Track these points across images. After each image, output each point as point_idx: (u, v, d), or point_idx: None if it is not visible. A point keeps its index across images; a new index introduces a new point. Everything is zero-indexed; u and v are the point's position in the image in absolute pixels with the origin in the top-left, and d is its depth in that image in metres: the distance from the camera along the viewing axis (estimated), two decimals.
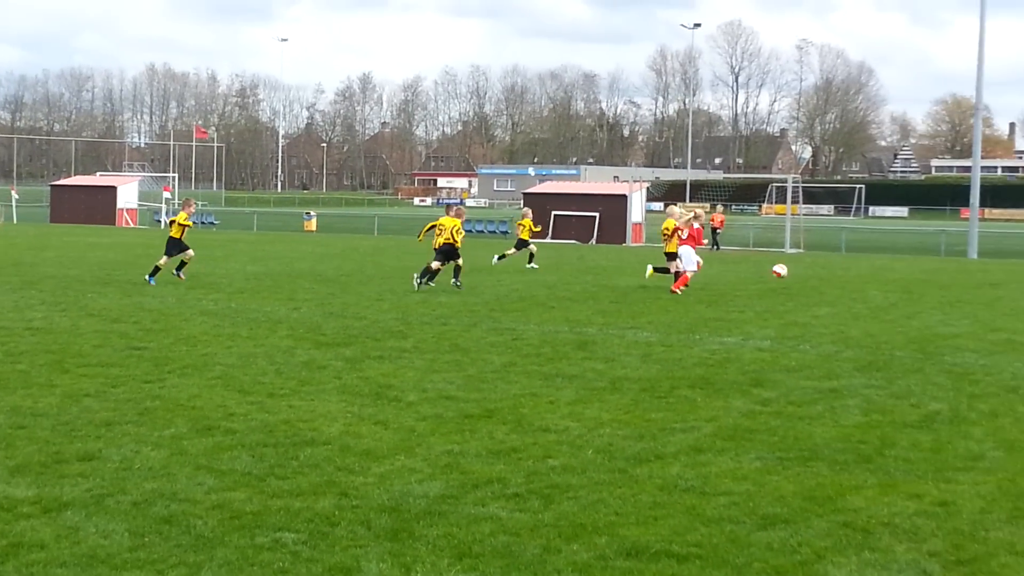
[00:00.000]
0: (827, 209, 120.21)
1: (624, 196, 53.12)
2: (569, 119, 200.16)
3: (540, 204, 54.43)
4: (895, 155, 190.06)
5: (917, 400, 12.46)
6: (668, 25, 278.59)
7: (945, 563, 7.15)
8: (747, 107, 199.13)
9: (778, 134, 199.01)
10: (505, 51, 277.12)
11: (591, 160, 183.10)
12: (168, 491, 8.40)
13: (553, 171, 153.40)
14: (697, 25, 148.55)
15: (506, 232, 57.15)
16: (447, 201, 51.29)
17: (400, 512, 7.98)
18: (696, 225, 26.33)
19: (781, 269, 29.00)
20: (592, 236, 52.29)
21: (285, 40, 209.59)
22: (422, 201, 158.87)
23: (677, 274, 25.51)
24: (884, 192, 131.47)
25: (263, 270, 29.85)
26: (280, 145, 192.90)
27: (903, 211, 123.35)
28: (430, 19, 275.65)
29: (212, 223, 68.21)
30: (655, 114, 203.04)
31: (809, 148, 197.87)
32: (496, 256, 34.78)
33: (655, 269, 26.59)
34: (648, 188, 62.98)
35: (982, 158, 52.42)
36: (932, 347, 16.82)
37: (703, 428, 10.84)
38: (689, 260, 25.50)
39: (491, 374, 13.74)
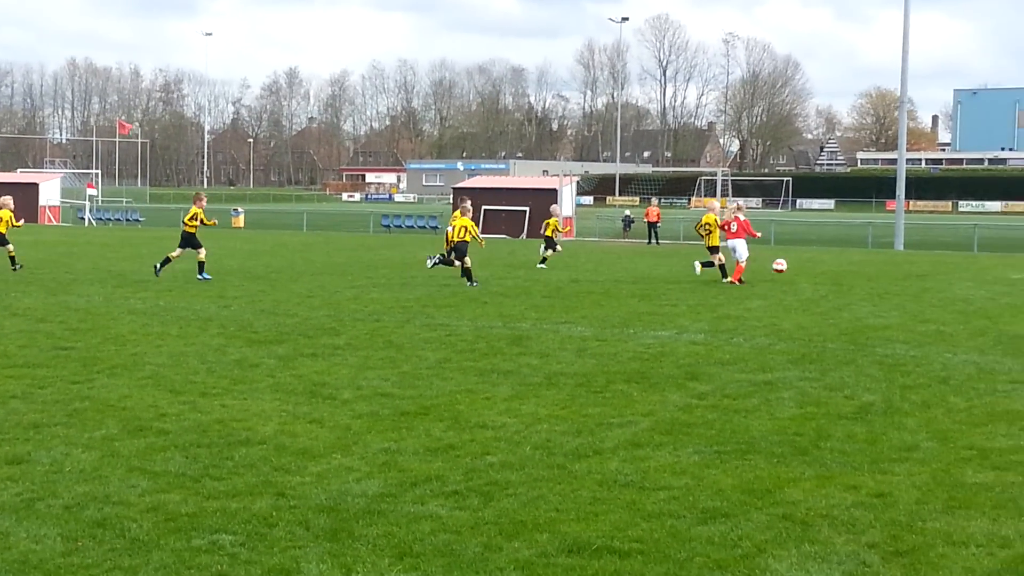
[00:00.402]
0: (755, 202, 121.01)
1: (554, 190, 53.17)
2: (498, 113, 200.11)
3: (470, 199, 54.30)
4: (821, 148, 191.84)
5: (851, 392, 12.55)
6: (597, 19, 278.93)
7: (884, 554, 7.18)
8: (675, 101, 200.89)
9: (706, 127, 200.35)
10: (433, 45, 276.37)
11: (520, 154, 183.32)
12: (101, 494, 8.25)
13: (482, 166, 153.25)
14: (625, 19, 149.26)
15: (436, 227, 56.98)
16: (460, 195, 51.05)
17: (339, 512, 7.89)
18: (741, 217, 27.29)
19: (781, 265, 28.14)
20: (523, 231, 52.30)
21: (209, 34, 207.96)
22: (350, 196, 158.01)
23: (723, 267, 26.94)
24: (811, 185, 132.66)
25: (191, 267, 29.46)
26: (206, 140, 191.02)
27: (829, 203, 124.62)
28: (357, 13, 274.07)
29: (137, 220, 67.40)
30: (583, 108, 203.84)
31: (737, 141, 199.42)
32: (539, 263, 32.53)
33: (703, 264, 27.47)
34: (578, 182, 63.04)
35: (906, 151, 53.02)
36: (863, 339, 16.97)
37: (640, 423, 10.83)
38: (743, 251, 26.81)
39: (426, 371, 13.66)
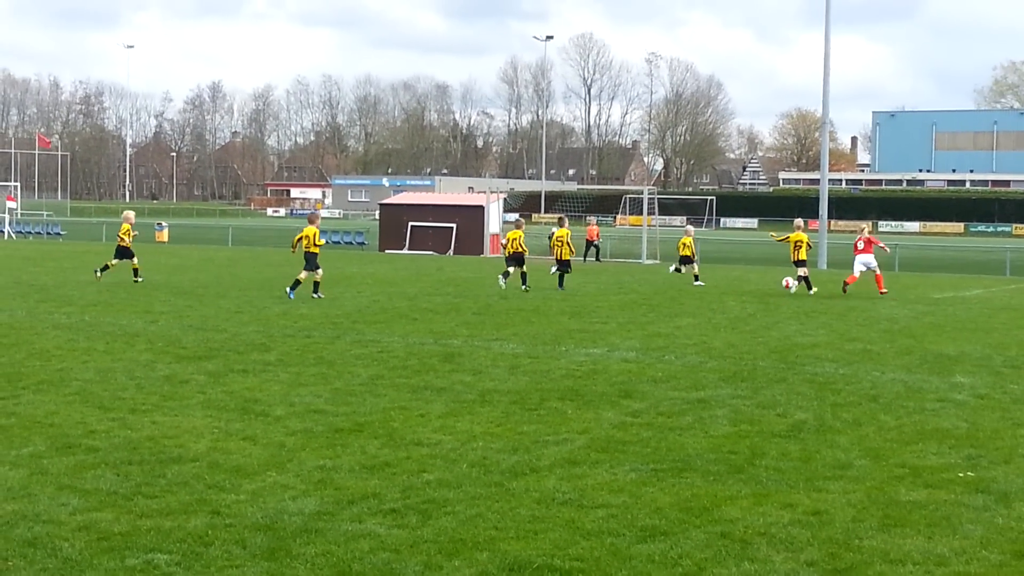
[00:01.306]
0: (680, 220, 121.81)
1: (481, 207, 53.15)
2: (423, 130, 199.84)
3: (397, 215, 54.24)
4: (744, 167, 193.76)
5: (783, 410, 12.64)
6: (522, 37, 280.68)
7: (823, 572, 7.22)
8: (600, 119, 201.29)
9: (630, 146, 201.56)
10: (358, 61, 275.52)
11: (445, 171, 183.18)
12: (30, 512, 8.09)
13: (407, 182, 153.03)
14: (549, 37, 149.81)
15: (363, 243, 56.72)
16: (510, 217, 51.60)
17: (275, 530, 7.80)
18: (866, 234, 30.82)
19: (791, 282, 30.79)
20: (450, 247, 52.23)
21: (131, 47, 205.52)
22: (275, 212, 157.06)
23: (807, 279, 30.40)
24: (734, 204, 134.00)
25: (116, 281, 29.09)
26: (127, 154, 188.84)
27: (753, 222, 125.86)
28: (281, 28, 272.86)
29: (58, 234, 66.43)
30: (508, 125, 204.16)
31: (661, 160, 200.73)
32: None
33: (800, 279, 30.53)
34: (505, 199, 63.14)
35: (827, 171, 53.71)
36: (793, 357, 17.12)
37: (576, 440, 10.83)
38: (874, 263, 30.11)
39: (359, 387, 13.57)
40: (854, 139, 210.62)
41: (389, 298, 26.09)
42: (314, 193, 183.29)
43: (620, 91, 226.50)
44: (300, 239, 26.27)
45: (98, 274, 29.59)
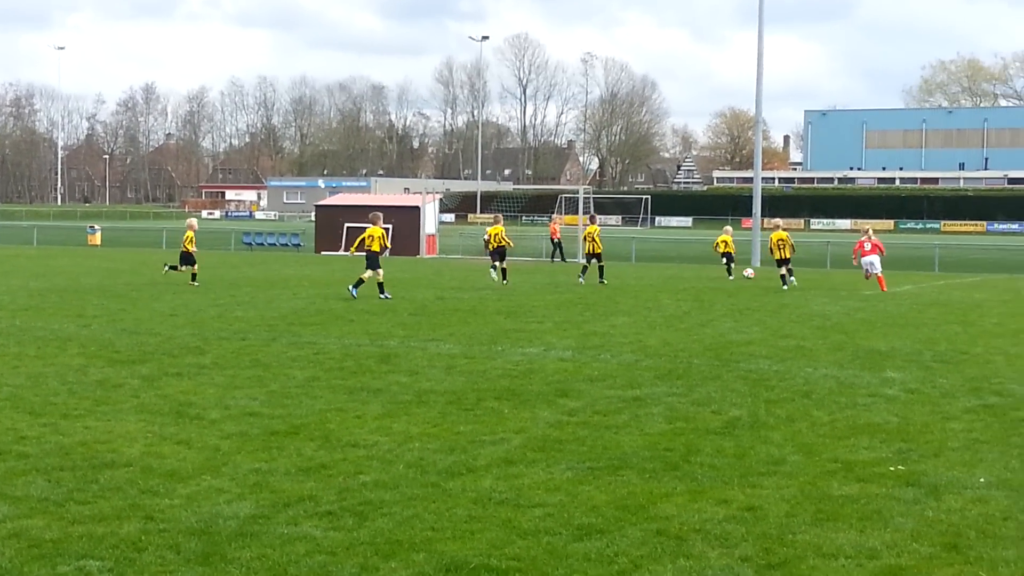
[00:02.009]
0: (615, 219, 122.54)
1: (417, 208, 53.06)
2: (358, 131, 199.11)
3: (333, 216, 54.02)
4: (678, 166, 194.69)
5: (718, 407, 12.74)
6: (459, 38, 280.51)
7: (757, 567, 7.29)
8: (535, 119, 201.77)
9: (566, 146, 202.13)
10: (293, 62, 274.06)
11: (381, 172, 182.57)
12: None
13: (343, 183, 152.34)
14: (485, 38, 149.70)
15: (299, 245, 56.42)
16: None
17: (210, 534, 7.75)
18: (873, 237, 32.30)
19: (749, 272, 34.29)
20: (386, 248, 52.00)
21: (62, 48, 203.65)
22: (210, 214, 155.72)
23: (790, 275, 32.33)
24: (669, 203, 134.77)
25: (48, 286, 28.77)
26: (59, 157, 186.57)
27: (687, 221, 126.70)
28: (216, 29, 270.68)
29: None
30: (444, 126, 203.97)
31: (596, 159, 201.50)
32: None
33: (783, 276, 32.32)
34: (441, 199, 63.06)
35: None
36: (727, 354, 17.25)
37: (512, 440, 10.85)
38: (879, 265, 31.88)
39: (295, 389, 13.51)
40: (787, 138, 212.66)
41: (325, 300, 26.00)
42: (249, 195, 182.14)
43: (556, 91, 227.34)
44: (363, 239, 27.36)
45: (165, 270, 31.61)
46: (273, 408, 12.28)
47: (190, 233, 31.24)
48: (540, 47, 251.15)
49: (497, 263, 31.72)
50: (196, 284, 29.87)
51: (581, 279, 33.24)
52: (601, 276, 33.26)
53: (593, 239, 33.49)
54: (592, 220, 36.04)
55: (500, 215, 34.96)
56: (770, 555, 7.50)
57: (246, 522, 8.03)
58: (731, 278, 35.81)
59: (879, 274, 31.72)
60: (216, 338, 18.36)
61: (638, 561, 7.34)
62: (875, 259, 31.91)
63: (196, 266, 30.64)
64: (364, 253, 27.18)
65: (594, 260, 33.61)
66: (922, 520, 8.33)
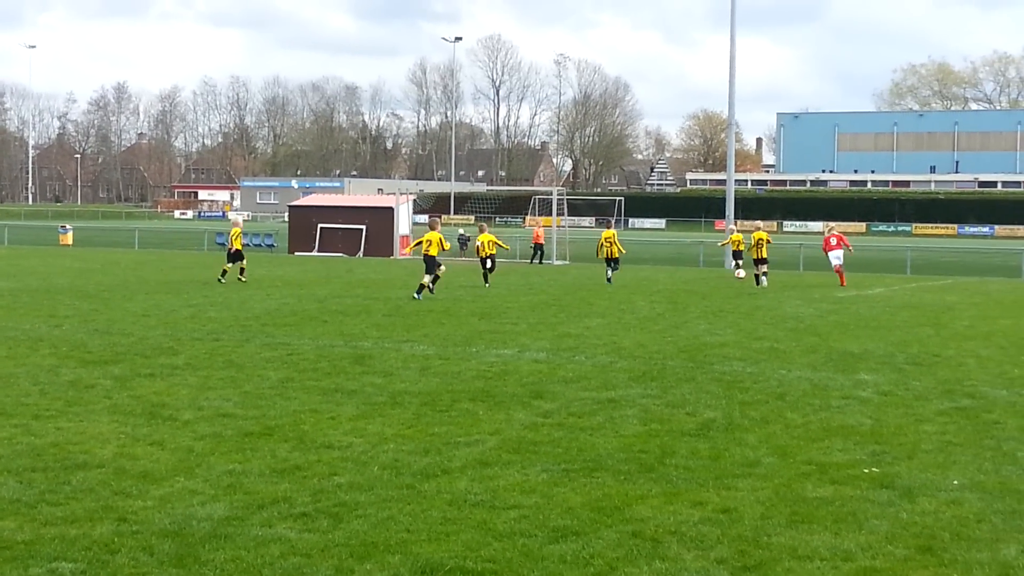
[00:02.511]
0: (589, 221, 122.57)
1: (391, 209, 52.99)
2: (332, 131, 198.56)
3: (306, 217, 53.90)
4: (651, 168, 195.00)
5: (692, 409, 12.75)
6: (432, 38, 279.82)
7: (733, 569, 7.29)
8: (509, 120, 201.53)
9: (539, 147, 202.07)
10: (266, 62, 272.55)
11: (355, 172, 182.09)
12: None
13: (317, 183, 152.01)
14: (458, 39, 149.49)
15: (272, 245, 56.21)
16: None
17: (184, 536, 7.70)
18: (836, 232, 35.93)
19: (741, 274, 36.23)
20: (359, 249, 51.99)
21: (33, 47, 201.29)
22: (183, 214, 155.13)
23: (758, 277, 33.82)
24: (643, 204, 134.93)
25: (19, 286, 28.59)
26: (30, 156, 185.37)
27: (661, 223, 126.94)
28: (189, 28, 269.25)
29: None
30: (418, 127, 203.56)
31: (570, 161, 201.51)
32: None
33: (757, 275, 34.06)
34: (415, 200, 62.97)
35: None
36: (701, 356, 17.28)
37: (487, 441, 10.83)
38: (840, 259, 34.88)
39: (268, 390, 13.45)
40: (759, 140, 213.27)
41: (299, 300, 25.92)
42: (222, 195, 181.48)
43: (529, 92, 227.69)
44: (420, 243, 28.52)
45: (222, 280, 31.37)
46: (247, 409, 12.23)
47: (236, 230, 32.68)
48: (513, 48, 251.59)
49: (486, 268, 32.43)
50: (244, 279, 31.44)
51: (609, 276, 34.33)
52: (615, 269, 34.87)
53: (612, 243, 34.82)
54: (609, 225, 39.86)
55: (485, 224, 36.53)
56: (746, 557, 7.51)
57: (220, 524, 7.99)
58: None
59: (839, 267, 34.37)
60: (189, 339, 18.27)
61: (614, 563, 7.34)
62: (840, 253, 34.50)
63: (244, 261, 32.38)
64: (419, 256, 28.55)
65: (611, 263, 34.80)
66: (896, 522, 8.35)
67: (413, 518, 8.22)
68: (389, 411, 12.31)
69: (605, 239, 35.17)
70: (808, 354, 17.77)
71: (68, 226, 64.51)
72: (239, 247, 32.20)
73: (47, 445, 10.33)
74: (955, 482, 9.56)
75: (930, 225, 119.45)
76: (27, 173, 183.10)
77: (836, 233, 35.32)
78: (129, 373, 14.58)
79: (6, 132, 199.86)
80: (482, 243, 32.89)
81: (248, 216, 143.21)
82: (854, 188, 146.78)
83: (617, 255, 34.79)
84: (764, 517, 8.42)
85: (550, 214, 56.38)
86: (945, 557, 7.58)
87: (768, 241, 34.22)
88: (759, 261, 33.74)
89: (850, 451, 10.71)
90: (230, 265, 32.06)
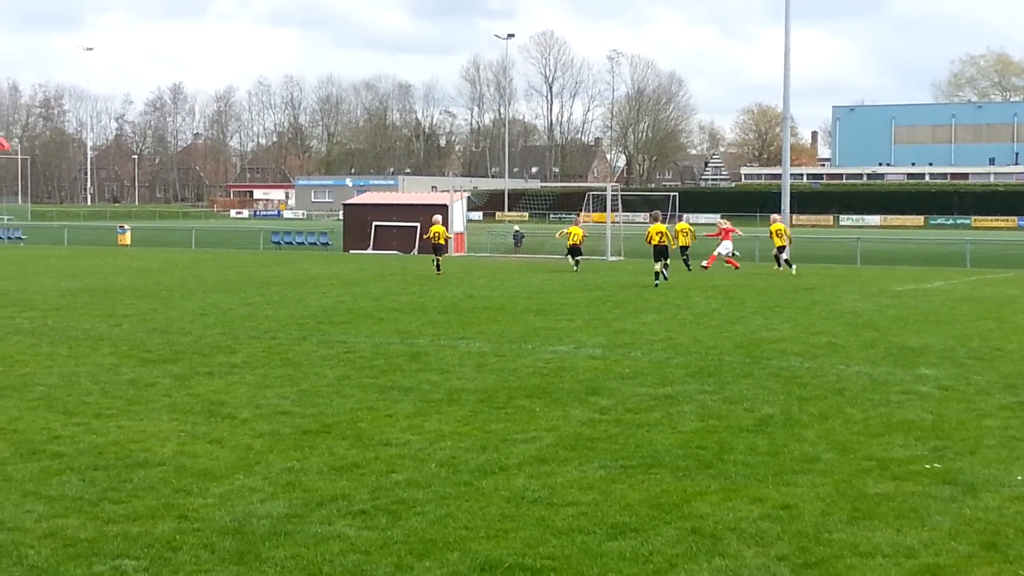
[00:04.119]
0: (643, 217, 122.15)
1: (445, 206, 53.04)
2: (385, 129, 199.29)
3: (361, 215, 54.10)
4: (706, 163, 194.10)
5: (750, 404, 12.67)
6: (486, 36, 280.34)
7: (794, 566, 7.23)
8: (562, 116, 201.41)
9: (592, 143, 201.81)
10: (321, 61, 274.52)
11: (408, 170, 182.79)
12: None
13: (371, 182, 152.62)
14: (511, 35, 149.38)
15: (327, 244, 56.48)
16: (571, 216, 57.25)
17: (244, 534, 7.75)
18: (725, 224, 40.72)
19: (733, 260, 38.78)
20: (414, 246, 52.13)
21: (91, 49, 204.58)
22: (239, 213, 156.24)
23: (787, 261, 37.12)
24: (697, 199, 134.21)
25: (79, 286, 28.91)
26: (88, 157, 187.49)
27: (715, 218, 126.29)
28: (247, 29, 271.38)
29: (20, 238, 65.94)
30: (471, 124, 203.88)
31: (623, 156, 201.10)
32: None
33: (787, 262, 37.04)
34: (469, 198, 63.06)
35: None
36: (758, 351, 17.17)
37: (544, 438, 10.81)
38: (728, 249, 38.68)
39: (325, 388, 13.51)
40: (815, 134, 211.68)
41: (354, 298, 26.02)
42: (277, 194, 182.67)
43: (582, 88, 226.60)
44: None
45: (438, 272, 34.82)
46: (304, 407, 12.29)
47: (440, 228, 36.30)
48: (565, 44, 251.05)
49: (573, 256, 38.41)
50: (440, 273, 34.45)
51: (705, 265, 37.72)
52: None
53: (686, 233, 38.48)
54: (575, 223, 42.57)
55: (578, 218, 43.08)
56: (806, 554, 7.45)
57: (280, 521, 8.03)
58: (780, 268, 37.36)
59: (728, 256, 38.52)
60: (246, 337, 18.39)
61: (673, 560, 7.30)
62: (729, 244, 38.72)
63: (443, 256, 36.08)
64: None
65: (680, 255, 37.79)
66: (959, 518, 8.25)
67: (471, 515, 8.22)
68: (446, 408, 12.32)
69: (679, 231, 37.79)
70: (867, 349, 17.61)
71: (126, 226, 65.18)
72: (441, 241, 36.15)
73: (108, 443, 10.44)
74: (1019, 477, 9.44)
75: (990, 218, 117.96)
76: (86, 174, 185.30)
77: (725, 226, 39.95)
78: (188, 372, 14.70)
79: (65, 134, 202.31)
80: (571, 233, 39.28)
81: (303, 215, 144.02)
82: (911, 181, 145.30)
83: (688, 244, 38.41)
84: (824, 513, 8.35)
85: (604, 210, 56.16)
86: (1010, 553, 7.48)
87: (778, 233, 37.23)
88: (780, 249, 37.19)
89: (911, 447, 10.60)
90: (437, 257, 35.69)
